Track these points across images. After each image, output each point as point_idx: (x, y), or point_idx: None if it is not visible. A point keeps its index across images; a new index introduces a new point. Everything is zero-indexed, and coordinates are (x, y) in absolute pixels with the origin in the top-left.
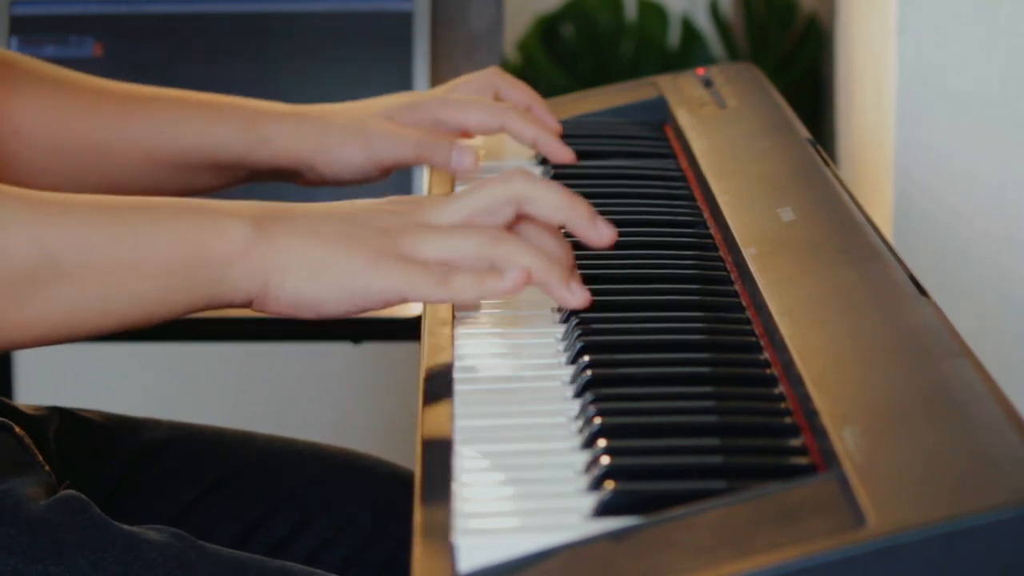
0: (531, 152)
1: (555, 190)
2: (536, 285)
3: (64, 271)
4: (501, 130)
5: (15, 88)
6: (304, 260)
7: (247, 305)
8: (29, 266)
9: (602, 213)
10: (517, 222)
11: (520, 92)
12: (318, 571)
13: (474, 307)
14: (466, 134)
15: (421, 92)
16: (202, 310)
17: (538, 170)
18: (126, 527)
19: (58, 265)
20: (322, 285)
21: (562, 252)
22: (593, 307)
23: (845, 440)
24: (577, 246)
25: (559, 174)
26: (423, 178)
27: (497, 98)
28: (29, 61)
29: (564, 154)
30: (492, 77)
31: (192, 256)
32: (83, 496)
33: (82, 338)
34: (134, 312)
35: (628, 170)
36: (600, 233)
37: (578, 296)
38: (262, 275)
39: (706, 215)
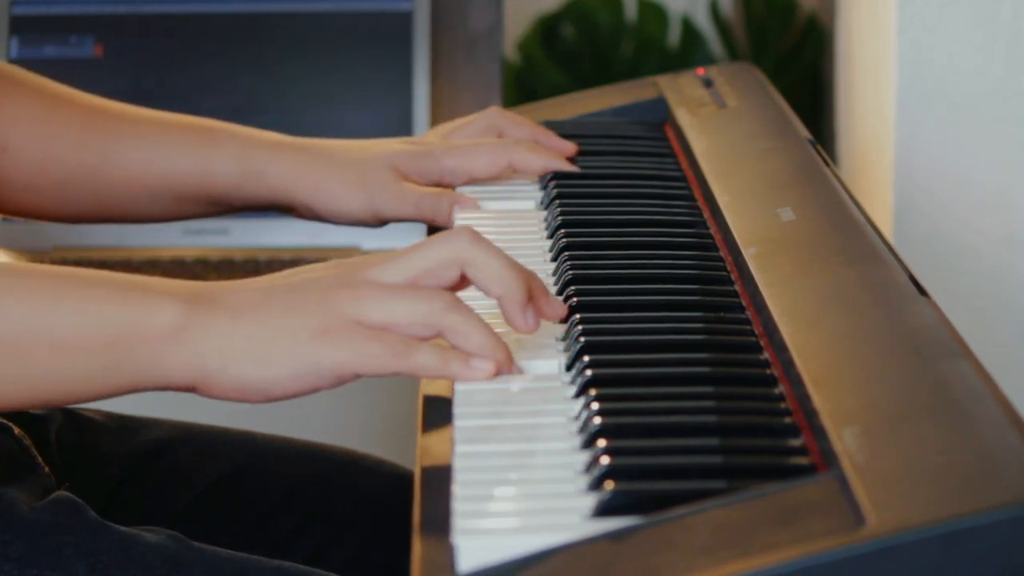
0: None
1: (498, 259)
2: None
3: None
4: (509, 168)
5: (5, 99)
6: (245, 342)
7: (190, 391)
8: None
9: (602, 213)
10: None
11: (523, 128)
12: (317, 571)
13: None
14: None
15: (422, 138)
16: (136, 392)
17: (540, 194)
18: (121, 529)
19: None
20: (266, 368)
21: (518, 293)
22: (593, 307)
23: (845, 440)
24: (576, 246)
25: (558, 174)
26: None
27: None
28: (24, 74)
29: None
30: (494, 117)
31: (115, 338)
32: (76, 498)
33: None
34: (53, 391)
35: (628, 170)
36: (527, 321)
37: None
38: (199, 360)
39: (706, 215)
